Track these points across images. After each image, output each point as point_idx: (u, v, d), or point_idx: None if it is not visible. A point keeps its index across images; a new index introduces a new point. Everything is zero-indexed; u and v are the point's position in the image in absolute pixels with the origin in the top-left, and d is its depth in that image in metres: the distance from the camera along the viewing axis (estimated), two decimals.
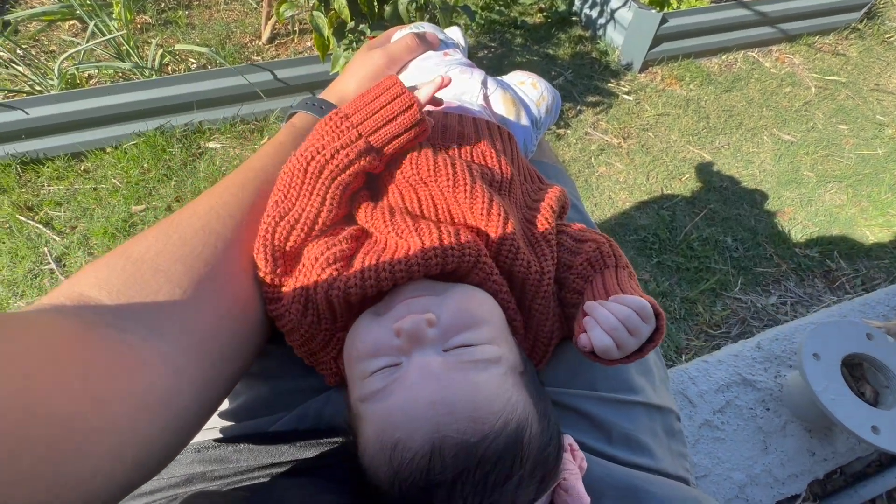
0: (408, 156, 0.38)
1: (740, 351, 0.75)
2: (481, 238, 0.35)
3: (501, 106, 0.47)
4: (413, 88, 0.36)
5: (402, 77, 0.47)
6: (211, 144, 1.58)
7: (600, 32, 2.16)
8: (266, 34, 1.77)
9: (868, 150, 1.84)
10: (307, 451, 0.34)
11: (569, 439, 0.30)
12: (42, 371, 0.21)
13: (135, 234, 1.35)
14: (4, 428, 0.18)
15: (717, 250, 1.48)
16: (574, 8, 2.31)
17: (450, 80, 0.37)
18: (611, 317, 0.29)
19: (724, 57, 2.14)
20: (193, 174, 1.51)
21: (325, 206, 0.34)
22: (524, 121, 0.48)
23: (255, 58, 1.78)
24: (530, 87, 0.50)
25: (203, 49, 1.60)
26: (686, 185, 1.66)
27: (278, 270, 0.33)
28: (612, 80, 1.99)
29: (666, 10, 2.11)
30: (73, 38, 1.72)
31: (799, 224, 1.58)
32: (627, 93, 1.95)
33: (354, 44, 1.14)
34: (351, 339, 0.31)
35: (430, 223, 0.33)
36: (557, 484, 0.28)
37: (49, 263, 1.30)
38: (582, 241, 0.39)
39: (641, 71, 2.03)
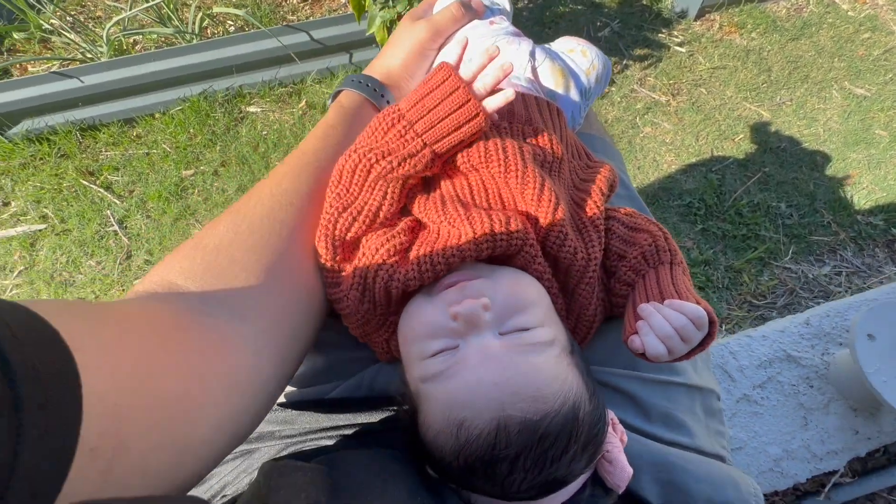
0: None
1: (787, 326, 0.73)
2: (531, 222, 0.35)
3: (550, 78, 0.45)
4: (466, 82, 0.35)
5: (448, 50, 0.46)
6: (251, 109, 1.61)
7: None
8: None
9: None
10: (361, 416, 0.37)
11: (610, 414, 0.32)
12: (156, 356, 0.24)
13: (186, 199, 1.42)
14: (137, 407, 0.21)
15: (769, 217, 1.40)
16: None
17: (510, 67, 0.36)
18: (666, 325, 0.30)
19: (793, 0, 1.93)
20: (236, 139, 1.55)
21: (385, 201, 0.35)
22: (573, 93, 0.46)
23: (291, 17, 1.75)
24: (580, 55, 0.48)
25: (240, 12, 1.60)
26: (739, 146, 1.56)
27: (338, 258, 0.35)
28: (663, 31, 1.84)
29: None
30: (117, 4, 1.75)
31: (864, 189, 1.47)
32: (680, 44, 1.80)
33: (391, 1, 1.10)
34: (407, 321, 0.33)
35: (480, 211, 0.34)
36: (602, 455, 0.29)
37: (112, 226, 1.41)
38: (636, 231, 0.39)
39: (697, 18, 1.87)
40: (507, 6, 0.52)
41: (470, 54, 0.46)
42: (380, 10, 1.10)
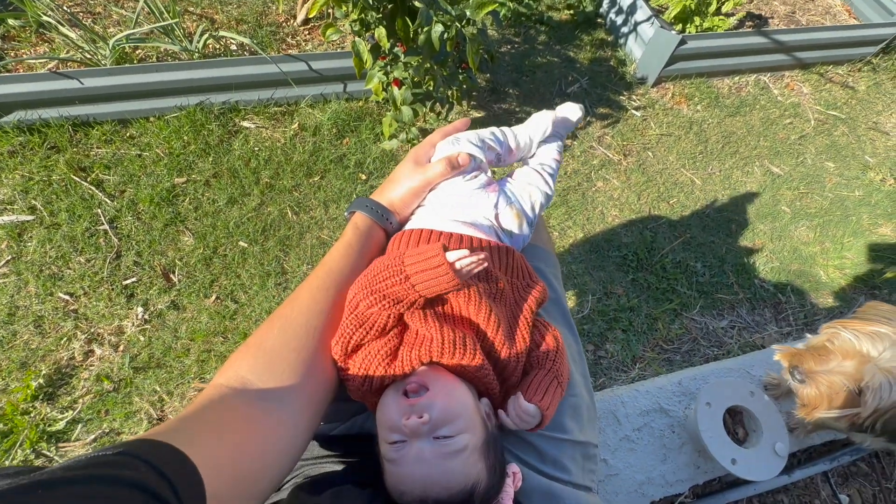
0: None
1: (664, 384, 0.98)
2: (481, 333, 0.54)
3: (511, 221, 0.65)
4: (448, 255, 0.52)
5: (433, 196, 0.65)
6: (245, 123, 1.71)
7: (622, 41, 2.22)
8: (301, 17, 1.84)
9: (846, 192, 1.99)
10: (354, 448, 0.56)
11: (513, 468, 0.51)
12: (238, 448, 0.40)
13: (177, 206, 1.49)
14: (230, 490, 0.37)
15: (686, 274, 1.67)
16: (601, 10, 2.34)
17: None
18: (517, 420, 0.53)
19: (735, 79, 2.23)
20: (229, 152, 1.65)
21: (389, 321, 0.53)
22: (525, 228, 0.66)
23: (290, 41, 1.86)
24: (528, 198, 0.67)
25: (245, 39, 1.69)
26: (673, 208, 1.83)
27: (347, 355, 0.53)
28: (624, 93, 2.09)
29: (688, 28, 2.16)
30: (122, 11, 1.79)
31: (765, 256, 1.77)
32: (637, 108, 2.06)
33: (388, 67, 1.26)
34: (380, 410, 0.50)
35: (449, 327, 0.53)
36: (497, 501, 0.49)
37: (103, 224, 1.49)
38: (547, 330, 0.60)
39: (654, 85, 2.12)
40: (485, 161, 0.69)
41: (450, 198, 0.64)
42: (378, 71, 1.26)
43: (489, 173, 0.69)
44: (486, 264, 0.53)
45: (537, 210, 0.70)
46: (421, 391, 0.50)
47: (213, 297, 1.43)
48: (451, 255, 0.50)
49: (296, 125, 1.73)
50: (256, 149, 1.67)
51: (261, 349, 0.49)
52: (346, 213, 0.65)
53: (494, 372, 0.55)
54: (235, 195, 1.58)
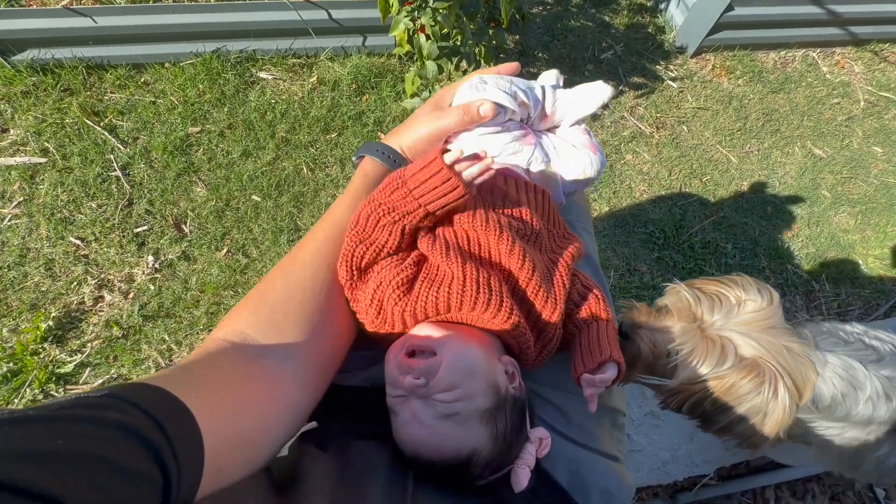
0: (467, 209, 0.50)
1: None
2: (512, 279, 0.49)
3: (541, 176, 0.58)
4: (460, 162, 0.46)
5: (457, 143, 0.58)
6: (262, 74, 1.65)
7: (662, 6, 2.08)
8: None
9: (893, 178, 1.87)
10: (364, 400, 0.51)
11: (539, 433, 0.46)
12: (238, 404, 0.36)
13: (191, 156, 1.44)
14: (228, 445, 0.34)
15: (715, 255, 1.59)
16: None
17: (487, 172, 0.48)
18: (598, 387, 0.48)
19: (782, 53, 2.08)
20: (245, 103, 1.59)
21: (391, 238, 0.47)
22: (558, 189, 0.59)
23: None
24: (573, 162, 0.58)
25: None
26: (705, 186, 1.73)
27: (354, 278, 0.47)
28: (661, 63, 1.97)
29: None
30: None
31: (800, 242, 1.68)
32: (673, 79, 1.94)
33: (416, 12, 1.17)
34: (386, 363, 0.46)
35: (474, 263, 0.47)
36: (512, 466, 0.44)
37: (115, 171, 1.45)
38: (588, 289, 0.54)
39: (694, 56, 1.99)
40: (550, 83, 0.59)
41: (475, 149, 0.57)
42: (405, 17, 1.18)
43: (522, 127, 0.60)
44: (493, 171, 0.48)
45: (579, 183, 0.61)
46: (427, 353, 0.45)
47: (225, 251, 1.40)
48: (450, 156, 0.45)
49: (314, 79, 1.66)
50: (273, 101, 1.61)
51: (263, 304, 0.45)
52: (353, 159, 0.59)
53: (527, 324, 0.50)
54: (250, 148, 1.53)
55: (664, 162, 1.75)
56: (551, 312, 0.49)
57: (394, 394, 0.45)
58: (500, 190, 0.54)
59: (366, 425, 0.49)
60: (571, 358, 0.51)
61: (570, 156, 0.58)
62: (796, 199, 1.76)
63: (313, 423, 0.47)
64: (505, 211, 0.52)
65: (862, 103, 2.03)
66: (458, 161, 0.47)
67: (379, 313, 0.47)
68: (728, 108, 1.91)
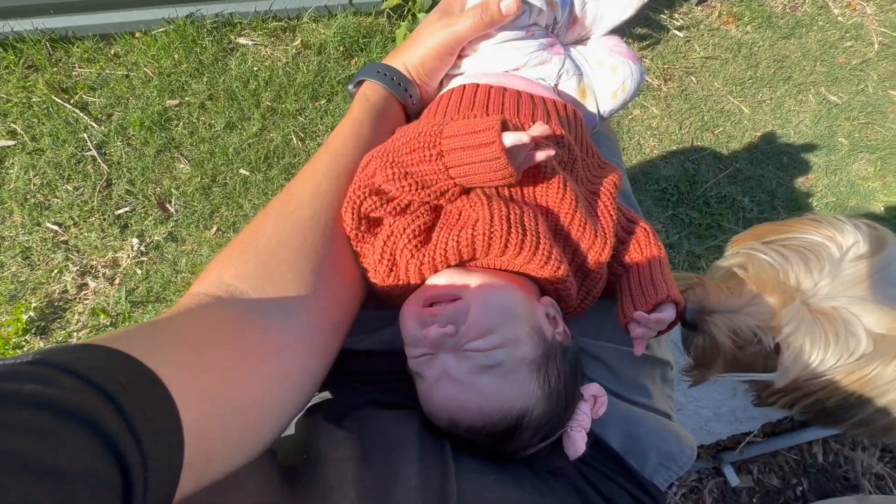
0: None
1: None
2: (552, 217, 0.41)
3: (573, 94, 0.49)
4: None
5: (472, 61, 0.48)
6: (242, 40, 1.53)
7: None
8: None
9: None
10: (381, 365, 0.44)
11: (592, 390, 0.39)
12: (229, 372, 0.28)
13: (171, 131, 1.35)
14: (219, 423, 0.26)
15: (733, 209, 1.52)
16: None
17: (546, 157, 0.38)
18: (651, 333, 0.40)
19: None
20: (225, 72, 1.48)
21: (412, 203, 0.39)
22: (591, 108, 0.50)
23: None
24: (609, 73, 0.50)
25: None
26: (718, 138, 1.65)
27: (362, 228, 0.39)
28: (665, 11, 1.85)
29: None
30: None
31: (819, 192, 1.60)
32: (679, 28, 1.83)
33: None
34: (401, 322, 0.38)
35: (503, 200, 0.39)
36: (564, 431, 0.37)
37: (90, 150, 1.35)
38: (633, 223, 0.46)
39: (699, 3, 1.88)
40: (545, 12, 0.51)
41: (497, 63, 0.48)
42: None
43: (547, 35, 0.52)
44: (553, 152, 0.38)
45: (617, 100, 0.52)
46: (446, 300, 0.37)
47: (214, 229, 1.31)
48: (510, 138, 0.35)
49: (298, 42, 1.55)
50: (255, 68, 1.50)
51: (252, 249, 0.36)
52: (350, 87, 0.50)
53: (571, 267, 0.42)
54: (234, 119, 1.43)
55: (674, 115, 1.66)
56: (601, 249, 0.41)
57: (416, 353, 0.37)
58: (527, 109, 0.45)
59: (383, 394, 0.41)
60: (618, 301, 0.44)
61: (606, 66, 0.49)
62: (812, 148, 1.68)
63: (325, 394, 0.40)
64: None
65: (876, 45, 1.93)
66: (519, 143, 0.36)
67: (392, 269, 0.39)
68: (737, 56, 1.81)
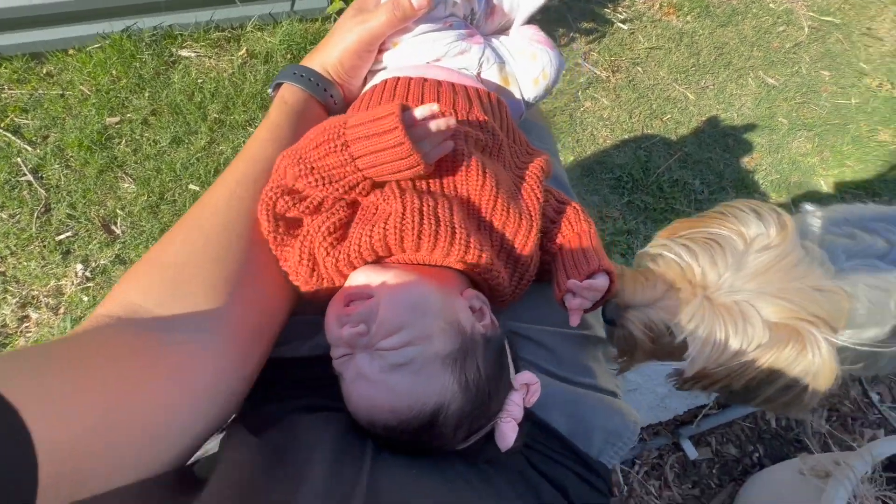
0: None
1: None
2: (473, 205, 0.40)
3: (496, 81, 0.49)
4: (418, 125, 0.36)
5: (393, 55, 0.48)
6: (184, 53, 1.49)
7: None
8: None
9: (843, 100, 1.89)
10: (316, 372, 0.42)
11: (524, 378, 0.38)
12: (114, 391, 0.27)
13: (112, 150, 1.30)
14: (96, 445, 0.25)
15: (685, 192, 1.57)
16: None
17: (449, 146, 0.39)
18: (586, 303, 0.41)
19: None
20: (168, 86, 1.44)
21: (327, 202, 0.38)
22: (516, 95, 0.51)
23: None
24: (529, 60, 0.51)
25: None
26: (666, 125, 1.70)
27: (280, 230, 0.38)
28: (609, 5, 1.91)
29: None
30: None
31: (763, 170, 1.67)
32: (623, 21, 1.88)
33: None
34: (325, 322, 0.37)
35: (416, 193, 0.38)
36: (495, 422, 0.36)
37: (25, 175, 1.28)
38: (563, 203, 0.47)
39: None
40: (459, 4, 0.51)
41: (417, 57, 0.48)
42: None
43: (466, 26, 0.52)
44: (452, 145, 0.39)
45: (539, 87, 0.52)
46: (362, 298, 0.37)
47: None
48: (415, 113, 0.34)
49: (243, 52, 1.52)
50: (200, 80, 1.46)
51: (158, 266, 0.35)
52: (269, 91, 0.49)
53: (499, 257, 0.42)
54: (180, 134, 1.38)
55: (623, 105, 1.70)
56: (528, 232, 0.41)
57: (337, 354, 0.37)
58: (447, 98, 0.45)
59: (320, 398, 0.40)
60: (554, 278, 0.44)
61: (526, 54, 0.50)
62: (755, 129, 1.76)
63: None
64: (458, 120, 0.44)
65: (806, 29, 2.04)
66: (417, 124, 0.36)
67: (314, 270, 0.38)
68: (680, 45, 1.88)
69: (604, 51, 1.80)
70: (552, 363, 0.47)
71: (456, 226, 0.37)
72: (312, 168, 0.36)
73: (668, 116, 1.72)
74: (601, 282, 0.41)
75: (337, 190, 0.37)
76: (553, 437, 0.43)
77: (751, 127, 1.76)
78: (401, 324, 0.34)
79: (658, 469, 0.77)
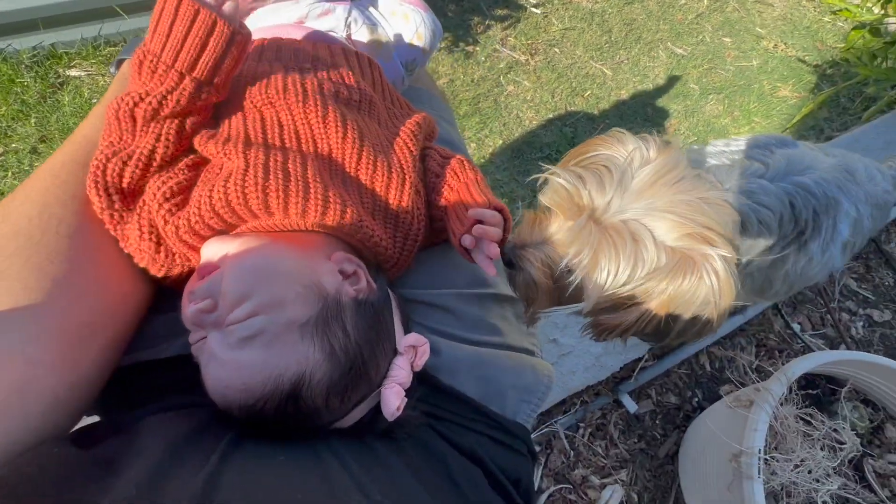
0: (256, 78, 0.38)
1: None
2: (335, 161, 0.37)
3: (365, 42, 0.47)
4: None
5: (252, 19, 0.45)
6: (73, 72, 1.37)
7: None
8: None
9: (745, 62, 2.01)
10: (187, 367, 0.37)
11: (409, 340, 0.35)
12: None
13: None
14: None
15: None
16: None
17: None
18: (485, 241, 0.38)
19: None
20: (57, 109, 1.32)
21: (160, 143, 0.33)
22: (392, 58, 0.48)
23: None
24: (402, 20, 0.49)
25: None
26: (588, 101, 1.74)
27: (116, 206, 0.33)
28: None
29: None
30: None
31: (682, 135, 1.75)
32: (535, 6, 1.92)
33: None
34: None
35: (263, 148, 0.34)
36: (380, 389, 0.33)
37: None
38: (447, 158, 0.44)
39: None
40: None
41: (274, 16, 0.45)
42: None
43: None
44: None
45: (416, 46, 0.51)
46: (211, 272, 0.34)
47: None
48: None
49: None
50: (94, 100, 1.34)
51: None
52: (111, 69, 0.44)
53: (374, 217, 0.38)
54: None
55: (545, 86, 1.73)
56: (399, 186, 0.38)
57: (194, 339, 0.33)
58: (306, 53, 0.42)
59: (185, 397, 0.35)
60: (448, 229, 0.41)
61: (398, 15, 0.48)
62: (670, 97, 1.83)
63: (93, 419, 0.33)
64: (318, 74, 0.40)
65: (705, 1, 2.16)
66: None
67: (158, 245, 0.34)
68: (592, 24, 1.94)
69: (520, 35, 1.83)
70: (455, 326, 0.44)
71: (309, 180, 0.33)
72: (136, 104, 0.33)
73: (589, 93, 1.76)
74: (491, 213, 0.38)
75: (158, 99, 0.33)
76: (463, 403, 0.41)
77: (666, 95, 1.83)
78: (246, 292, 0.31)
79: (603, 429, 0.76)
